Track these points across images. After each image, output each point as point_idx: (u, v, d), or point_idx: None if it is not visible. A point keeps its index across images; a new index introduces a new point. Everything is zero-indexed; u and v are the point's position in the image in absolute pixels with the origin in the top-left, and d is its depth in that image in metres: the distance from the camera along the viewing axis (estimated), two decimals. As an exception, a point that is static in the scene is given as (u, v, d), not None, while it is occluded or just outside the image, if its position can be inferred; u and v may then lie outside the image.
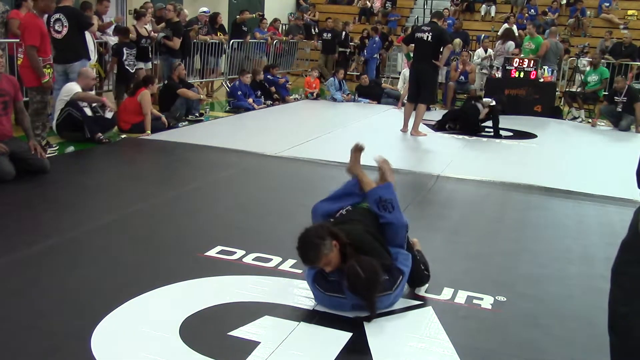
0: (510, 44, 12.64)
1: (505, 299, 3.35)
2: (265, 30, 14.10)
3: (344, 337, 2.83)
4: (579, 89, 11.89)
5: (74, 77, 7.00)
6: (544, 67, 11.72)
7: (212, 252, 3.76)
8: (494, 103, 9.36)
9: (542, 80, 11.59)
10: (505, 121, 9.57)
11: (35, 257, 3.59)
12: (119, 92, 8.81)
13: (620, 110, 10.34)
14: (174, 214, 4.65)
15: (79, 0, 8.34)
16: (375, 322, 2.96)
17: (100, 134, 6.82)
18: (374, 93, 12.01)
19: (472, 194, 5.81)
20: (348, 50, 15.33)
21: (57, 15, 7.01)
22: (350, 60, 15.75)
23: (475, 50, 13.58)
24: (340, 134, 8.45)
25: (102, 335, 2.72)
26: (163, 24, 10.21)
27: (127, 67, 8.70)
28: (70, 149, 6.62)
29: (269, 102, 10.92)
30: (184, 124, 8.50)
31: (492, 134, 9.11)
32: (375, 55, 14.94)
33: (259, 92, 10.79)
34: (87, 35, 7.65)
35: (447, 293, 3.37)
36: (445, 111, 10.23)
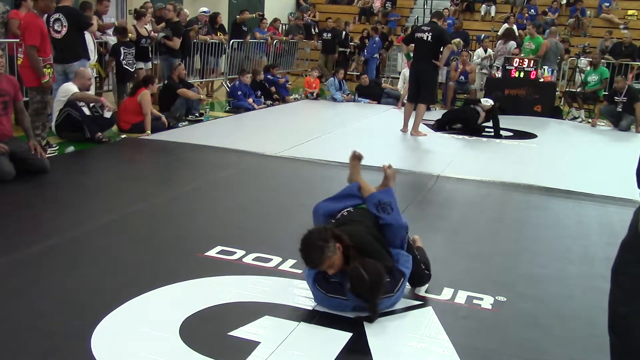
0: (512, 44, 12.63)
1: (505, 299, 3.35)
2: (265, 30, 14.10)
3: (344, 337, 2.83)
4: (579, 89, 11.89)
5: (73, 77, 7.00)
6: (544, 67, 11.72)
7: (212, 252, 3.76)
8: (491, 103, 9.36)
9: (542, 80, 11.59)
10: (505, 121, 9.57)
11: (35, 257, 3.59)
12: (120, 91, 8.81)
13: (620, 110, 10.34)
14: (174, 214, 4.65)
15: (79, 0, 8.33)
16: (375, 322, 2.96)
17: (100, 134, 6.83)
18: (374, 93, 12.01)
19: (472, 194, 5.81)
20: (348, 50, 15.34)
21: (56, 15, 7.01)
22: (350, 60, 15.76)
23: (475, 50, 13.58)
24: (340, 134, 8.45)
25: (102, 335, 2.72)
26: (163, 24, 10.21)
27: (126, 67, 8.70)
28: (70, 149, 6.62)
29: (269, 102, 10.92)
30: (184, 124, 8.50)
31: (492, 134, 9.11)
32: (375, 55, 14.95)
33: (259, 92, 10.79)
34: (87, 35, 7.66)
35: (447, 293, 3.37)
36: (445, 111, 10.23)
